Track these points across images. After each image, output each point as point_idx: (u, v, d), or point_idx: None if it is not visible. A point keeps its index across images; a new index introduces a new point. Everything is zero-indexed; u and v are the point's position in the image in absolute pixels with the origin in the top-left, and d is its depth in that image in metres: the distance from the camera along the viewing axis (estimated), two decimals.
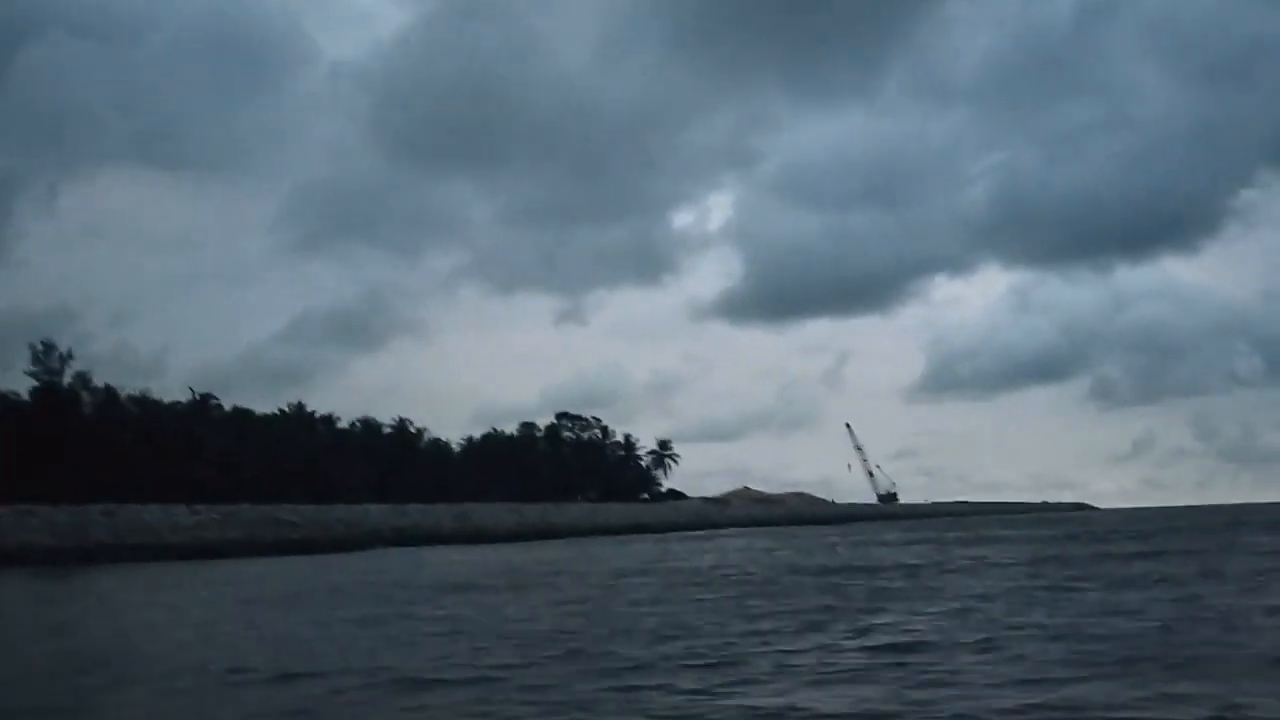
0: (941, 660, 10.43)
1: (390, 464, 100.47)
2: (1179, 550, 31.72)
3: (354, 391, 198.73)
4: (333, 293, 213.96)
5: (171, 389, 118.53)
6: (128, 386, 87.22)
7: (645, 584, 23.60)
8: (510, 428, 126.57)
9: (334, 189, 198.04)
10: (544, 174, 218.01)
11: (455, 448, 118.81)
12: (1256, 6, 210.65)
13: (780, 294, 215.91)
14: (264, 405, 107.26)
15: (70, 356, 76.94)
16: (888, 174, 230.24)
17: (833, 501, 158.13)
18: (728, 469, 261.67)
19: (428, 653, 12.54)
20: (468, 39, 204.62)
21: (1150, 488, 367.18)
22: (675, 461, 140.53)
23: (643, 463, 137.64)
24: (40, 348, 75.41)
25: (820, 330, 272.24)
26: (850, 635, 12.89)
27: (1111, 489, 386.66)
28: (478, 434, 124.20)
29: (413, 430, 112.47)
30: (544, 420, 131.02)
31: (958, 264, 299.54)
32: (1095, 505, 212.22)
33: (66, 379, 76.44)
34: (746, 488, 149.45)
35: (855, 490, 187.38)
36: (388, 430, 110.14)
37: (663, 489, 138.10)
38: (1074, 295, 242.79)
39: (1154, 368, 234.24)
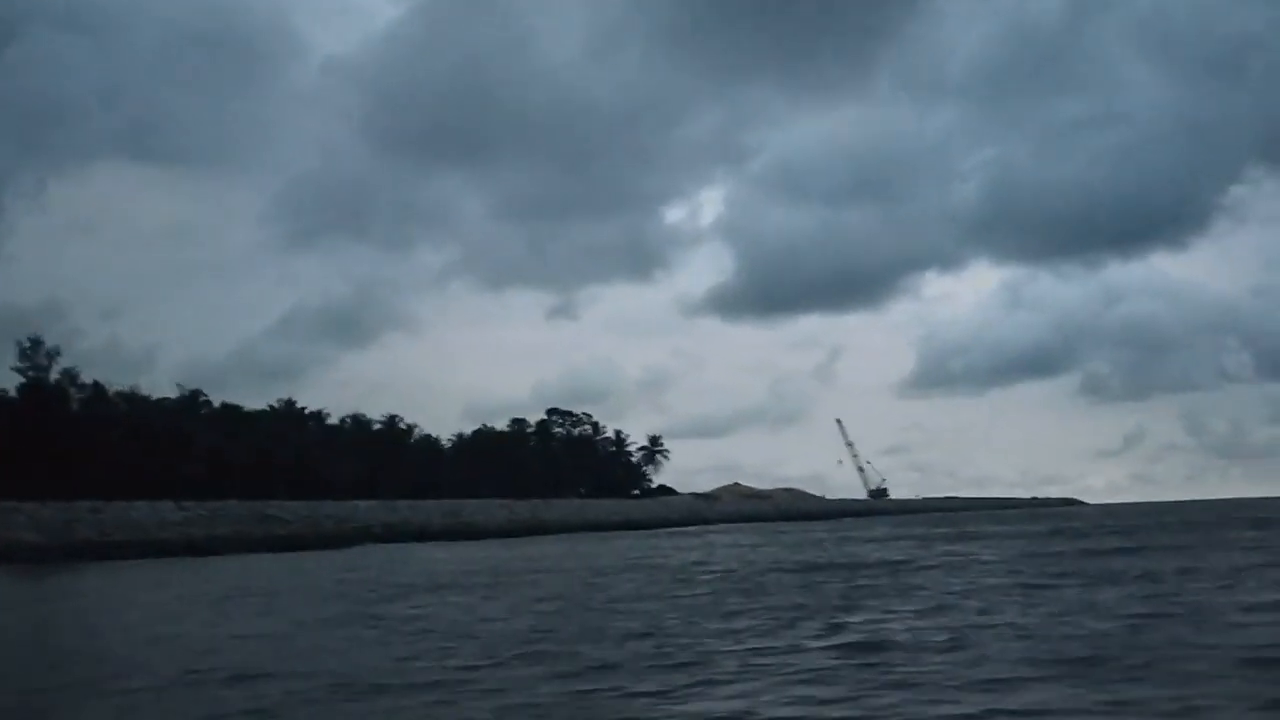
0: (906, 661, 10.41)
1: (380, 460, 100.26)
2: (1162, 546, 31.79)
3: (345, 387, 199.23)
4: (323, 288, 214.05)
5: (161, 385, 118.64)
6: (116, 383, 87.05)
7: (625, 581, 23.57)
8: (501, 424, 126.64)
9: (325, 184, 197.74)
10: (535, 169, 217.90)
11: (446, 444, 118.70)
12: (1246, 3, 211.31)
13: (772, 290, 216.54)
14: (255, 401, 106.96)
15: (57, 353, 76.76)
16: (879, 170, 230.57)
17: (823, 497, 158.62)
18: (719, 465, 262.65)
19: (393, 654, 12.46)
20: (458, 34, 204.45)
21: (1140, 483, 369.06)
22: (665, 457, 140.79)
23: (633, 459, 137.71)
24: (27, 344, 75.16)
25: (811, 326, 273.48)
26: (819, 635, 12.86)
27: (1101, 484, 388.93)
28: (469, 430, 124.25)
29: (403, 426, 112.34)
30: (535, 416, 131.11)
31: (949, 260, 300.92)
32: (1085, 501, 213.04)
33: (54, 375, 76.14)
34: (737, 483, 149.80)
35: (846, 486, 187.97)
36: (377, 426, 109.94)
37: (653, 485, 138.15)
38: (1064, 291, 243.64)
39: (1144, 363, 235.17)
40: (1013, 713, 7.88)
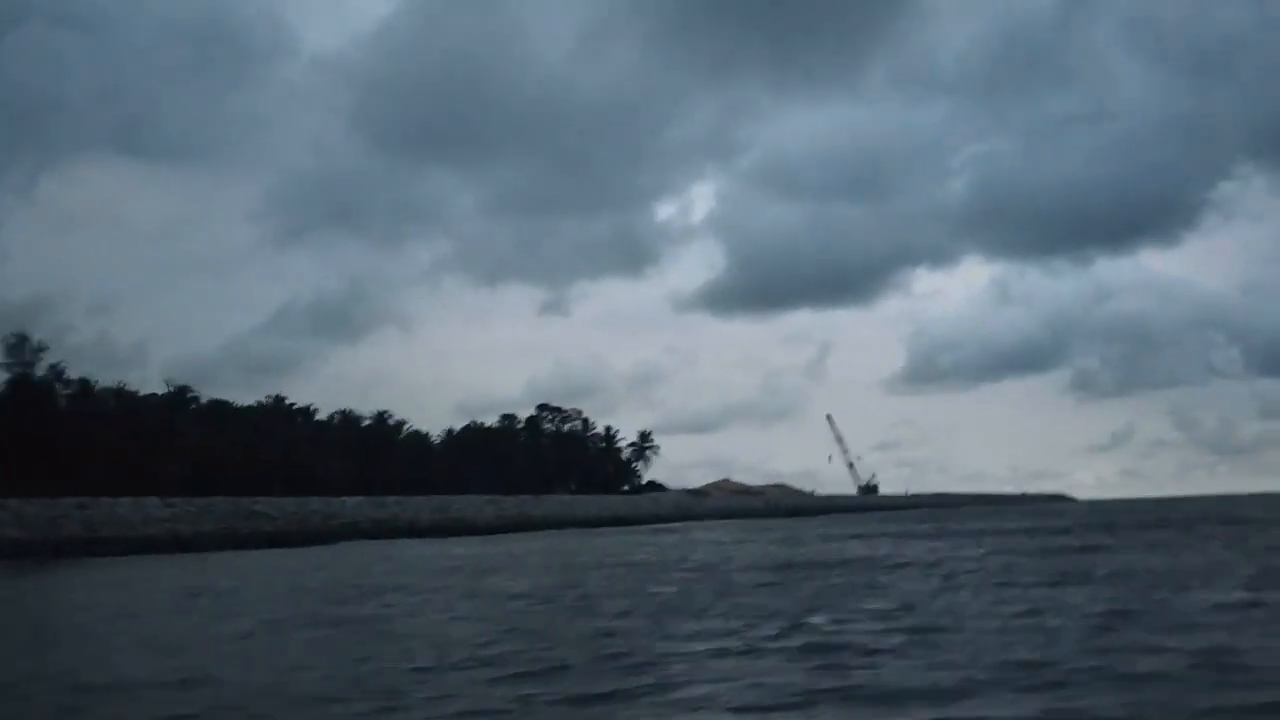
0: (860, 665, 10.37)
1: (369, 456, 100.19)
2: (1139, 544, 31.90)
3: (336, 383, 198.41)
4: (315, 284, 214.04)
5: (152, 381, 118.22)
6: (104, 379, 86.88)
7: (599, 579, 23.52)
8: (492, 419, 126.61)
9: (316, 180, 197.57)
10: (527, 165, 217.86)
11: (435, 440, 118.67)
12: (1235, 1, 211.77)
13: (762, 285, 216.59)
14: (246, 397, 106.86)
15: (44, 348, 76.48)
16: (870, 165, 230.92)
17: (813, 493, 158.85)
18: (710, 460, 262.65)
19: (346, 656, 12.32)
20: (449, 29, 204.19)
21: (1129, 478, 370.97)
22: (655, 453, 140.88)
23: (623, 455, 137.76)
24: (13, 340, 74.92)
25: (802, 322, 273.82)
26: (779, 635, 12.81)
27: (1090, 480, 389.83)
28: (459, 426, 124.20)
29: (392, 422, 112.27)
30: (526, 412, 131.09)
31: (939, 256, 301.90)
32: (1074, 496, 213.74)
33: (40, 371, 75.93)
34: (727, 479, 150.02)
35: (837, 482, 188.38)
36: (367, 422, 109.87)
37: (643, 481, 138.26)
38: (1054, 287, 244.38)
39: (1133, 359, 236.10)
40: None
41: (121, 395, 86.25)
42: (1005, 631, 12.37)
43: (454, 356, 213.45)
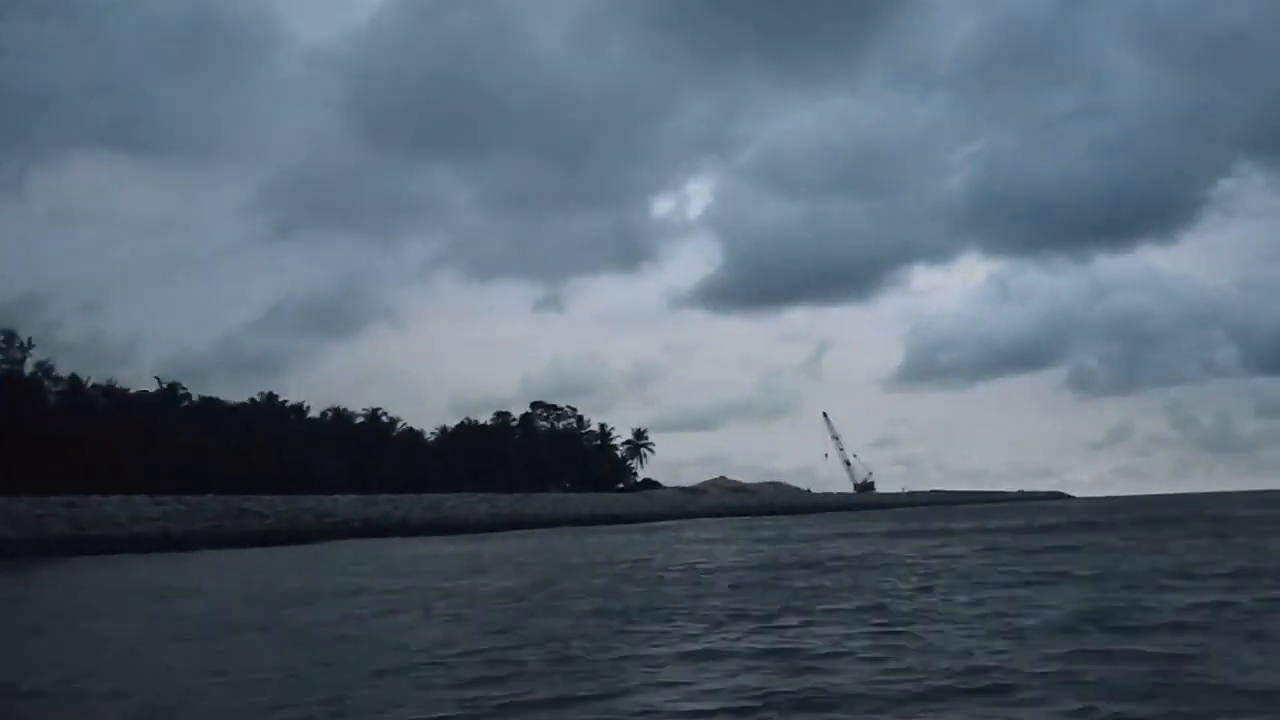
0: (815, 668, 10.18)
1: (362, 454, 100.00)
2: (1129, 541, 31.73)
3: (329, 380, 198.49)
4: (308, 280, 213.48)
5: (143, 378, 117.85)
6: (96, 376, 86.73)
7: (580, 579, 23.28)
8: (486, 417, 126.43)
9: (309, 175, 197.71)
10: (522, 160, 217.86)
11: (429, 437, 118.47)
12: None
13: (759, 282, 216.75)
14: (239, 394, 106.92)
15: (31, 345, 76.28)
16: (867, 162, 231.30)
17: (809, 491, 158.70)
18: (707, 458, 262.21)
19: (284, 662, 12.00)
20: (444, 23, 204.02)
21: (1127, 476, 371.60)
22: (651, 451, 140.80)
23: (618, 452, 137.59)
24: (0, 337, 74.72)
25: (799, 319, 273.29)
26: (743, 638, 12.62)
27: (1088, 477, 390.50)
28: (453, 423, 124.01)
29: (385, 420, 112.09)
30: (521, 409, 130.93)
31: (937, 253, 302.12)
32: (1071, 494, 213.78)
33: (28, 369, 75.74)
34: (723, 477, 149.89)
35: (834, 479, 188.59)
36: (360, 420, 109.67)
37: (638, 479, 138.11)
38: (1053, 284, 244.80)
39: (1131, 357, 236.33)
40: None
41: (111, 393, 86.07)
42: (970, 636, 12.13)
43: (448, 353, 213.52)
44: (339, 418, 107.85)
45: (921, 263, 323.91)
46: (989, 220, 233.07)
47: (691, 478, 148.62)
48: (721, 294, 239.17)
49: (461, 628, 14.79)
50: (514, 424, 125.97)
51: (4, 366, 74.23)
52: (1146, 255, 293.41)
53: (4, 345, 74.32)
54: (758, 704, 8.60)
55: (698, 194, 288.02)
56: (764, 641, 12.25)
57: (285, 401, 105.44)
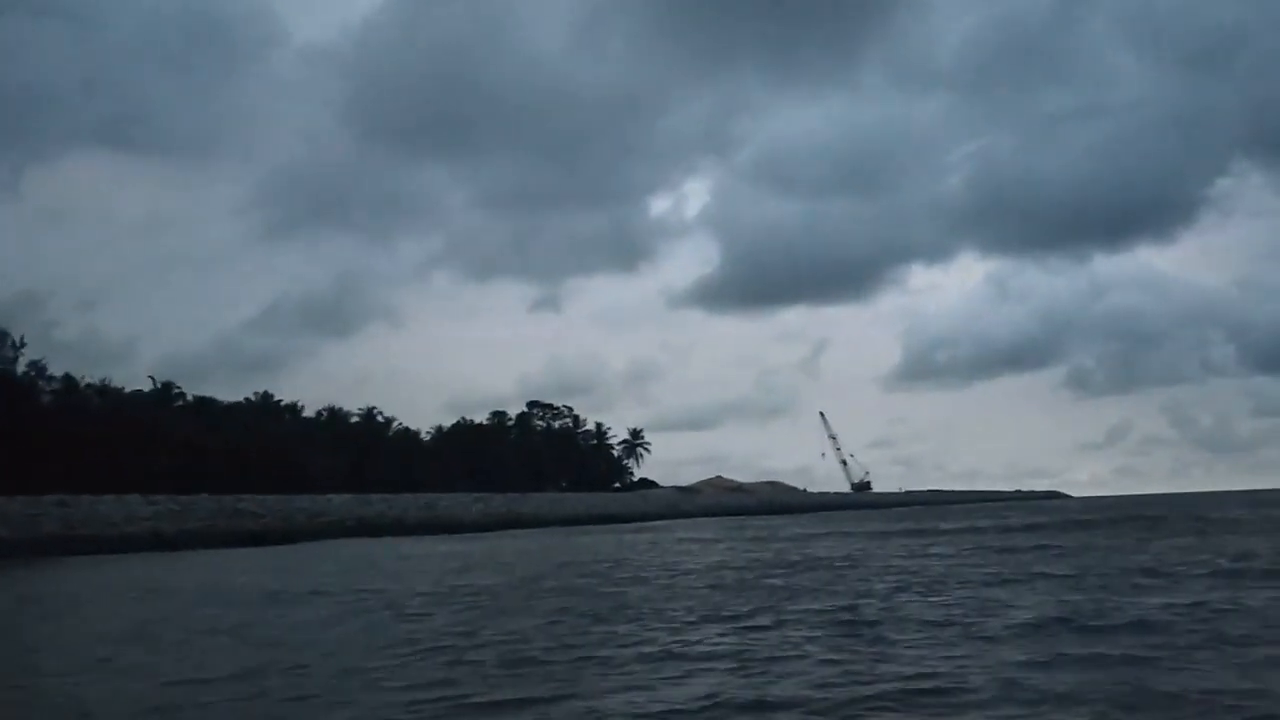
0: (771, 671, 10.18)
1: (358, 453, 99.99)
2: (1116, 541, 31.76)
3: (326, 379, 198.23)
4: (305, 279, 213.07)
5: (140, 377, 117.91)
6: (92, 375, 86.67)
7: (561, 578, 23.21)
8: (482, 417, 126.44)
9: (305, 174, 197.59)
10: (519, 159, 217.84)
11: (425, 437, 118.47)
12: None
13: (757, 281, 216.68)
14: (236, 393, 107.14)
15: (23, 344, 76.17)
16: (865, 161, 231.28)
17: (805, 490, 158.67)
18: (705, 457, 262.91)
19: (224, 668, 11.71)
20: (441, 21, 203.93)
21: (1125, 476, 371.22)
22: (647, 450, 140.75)
23: (614, 452, 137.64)
24: None
25: (797, 318, 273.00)
26: (702, 640, 12.62)
27: (1086, 477, 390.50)
28: (449, 423, 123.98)
29: (381, 419, 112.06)
30: (518, 409, 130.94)
31: (935, 252, 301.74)
32: (1069, 494, 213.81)
33: (20, 368, 75.61)
34: (719, 477, 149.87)
35: (831, 479, 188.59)
36: (355, 419, 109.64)
37: (635, 478, 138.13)
38: (1051, 284, 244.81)
39: (1129, 356, 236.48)
40: None
41: (106, 392, 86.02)
42: (933, 640, 12.05)
43: (445, 353, 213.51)
44: (334, 417, 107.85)
45: (919, 262, 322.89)
46: (987, 220, 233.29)
47: (689, 477, 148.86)
48: (719, 293, 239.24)
49: (427, 627, 14.79)
50: (510, 424, 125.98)
51: None
52: (1145, 255, 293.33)
53: None
54: (700, 707, 8.61)
55: (695, 193, 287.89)
56: (726, 643, 12.26)
57: (280, 401, 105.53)
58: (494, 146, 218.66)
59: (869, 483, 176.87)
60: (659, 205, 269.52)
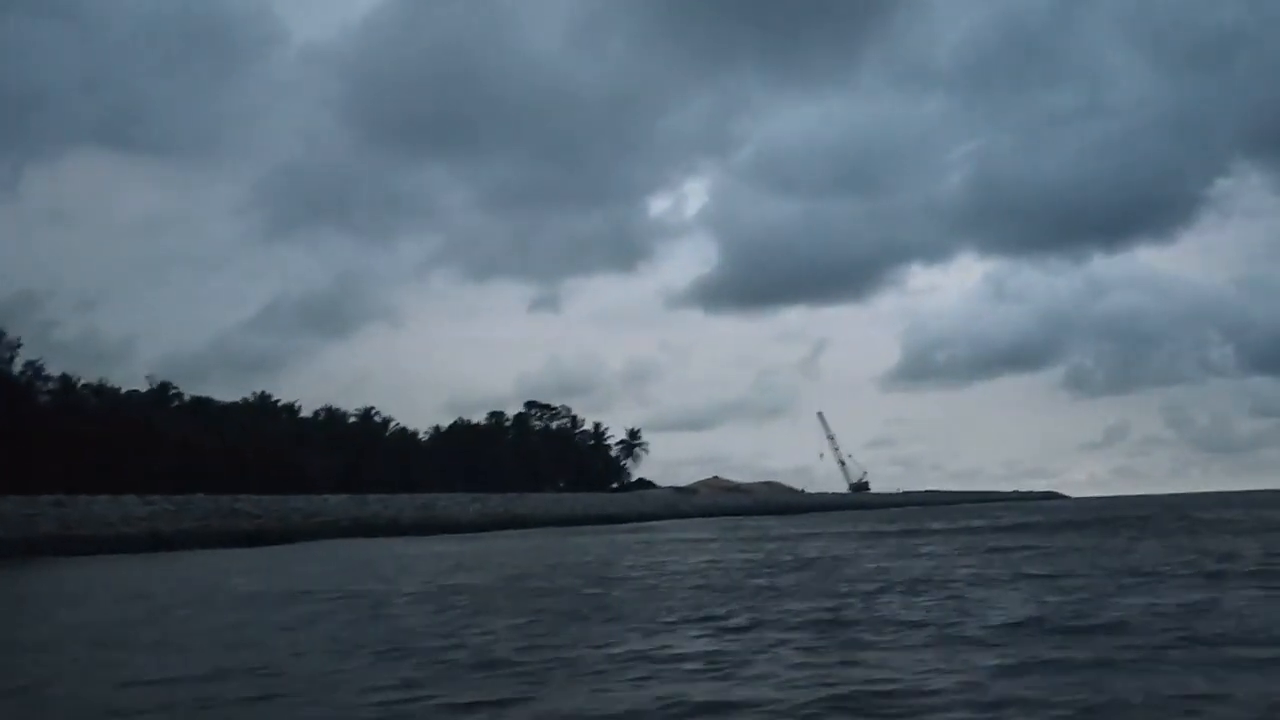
0: (730, 674, 10.14)
1: (355, 453, 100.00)
2: (1104, 541, 31.77)
3: (325, 380, 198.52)
4: (304, 279, 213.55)
5: (138, 378, 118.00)
6: (91, 375, 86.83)
7: (545, 578, 23.23)
8: (480, 417, 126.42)
9: (305, 173, 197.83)
10: (519, 159, 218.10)
11: (423, 437, 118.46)
12: None
13: (756, 282, 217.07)
14: (234, 393, 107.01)
15: (19, 345, 76.26)
16: (865, 161, 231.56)
17: (803, 491, 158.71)
18: (703, 457, 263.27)
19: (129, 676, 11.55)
20: (440, 21, 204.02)
21: (1123, 476, 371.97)
22: (645, 450, 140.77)
23: (612, 452, 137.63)
24: None
25: (796, 318, 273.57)
26: (671, 644, 12.57)
27: (1085, 477, 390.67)
28: (448, 423, 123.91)
29: (378, 419, 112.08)
30: (515, 409, 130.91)
31: (934, 252, 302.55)
32: (1067, 494, 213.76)
33: (17, 368, 75.74)
34: (717, 477, 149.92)
35: (830, 479, 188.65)
36: (353, 420, 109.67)
37: (633, 478, 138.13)
38: (1050, 284, 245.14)
39: (1128, 356, 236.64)
40: None
41: (102, 392, 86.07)
42: (904, 644, 11.94)
43: (444, 353, 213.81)
44: (331, 417, 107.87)
45: (918, 262, 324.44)
46: (986, 220, 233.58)
47: (688, 477, 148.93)
48: (718, 293, 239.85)
49: (406, 628, 14.77)
50: (508, 424, 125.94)
51: None
52: (1143, 255, 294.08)
53: None
54: (655, 709, 8.63)
55: (694, 193, 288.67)
56: (698, 646, 12.24)
57: (278, 401, 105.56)
58: (493, 146, 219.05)
59: (867, 483, 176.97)
60: (658, 205, 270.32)
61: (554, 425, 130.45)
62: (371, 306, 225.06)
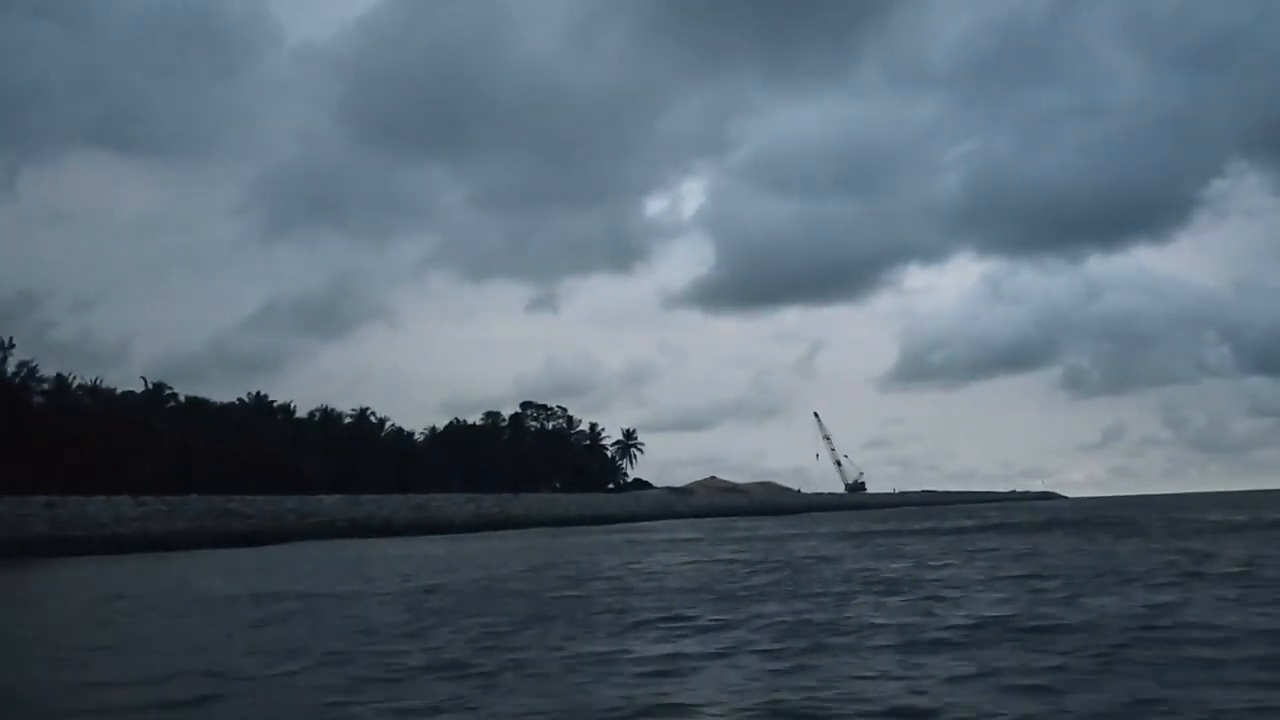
0: (676, 679, 10.02)
1: (350, 454, 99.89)
2: (1090, 542, 31.79)
3: (323, 380, 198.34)
4: (300, 279, 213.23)
5: (133, 378, 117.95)
6: (88, 375, 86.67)
7: (525, 581, 23.18)
8: (476, 417, 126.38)
9: (301, 173, 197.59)
10: (515, 159, 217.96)
11: (419, 438, 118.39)
12: None
13: (753, 282, 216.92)
14: (231, 394, 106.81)
15: (12, 345, 76.12)
16: (862, 161, 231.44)
17: (799, 491, 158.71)
18: (700, 458, 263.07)
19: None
20: (436, 20, 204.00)
21: (1120, 476, 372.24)
22: (640, 451, 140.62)
23: (608, 452, 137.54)
24: None
25: (793, 319, 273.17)
26: (630, 647, 12.49)
27: (1081, 477, 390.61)
28: (445, 424, 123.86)
29: (373, 420, 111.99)
30: (511, 410, 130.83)
31: (931, 252, 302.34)
32: (1064, 494, 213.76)
33: (11, 368, 75.60)
34: (713, 477, 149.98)
35: (826, 480, 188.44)
36: (348, 420, 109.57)
37: (629, 478, 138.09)
38: (1046, 284, 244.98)
39: (1124, 357, 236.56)
40: None
41: (97, 393, 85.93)
42: (859, 651, 11.77)
43: (441, 353, 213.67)
44: (327, 418, 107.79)
45: (915, 262, 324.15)
46: (983, 220, 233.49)
47: (685, 478, 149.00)
48: (715, 294, 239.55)
49: (371, 629, 14.65)
50: (504, 424, 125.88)
51: None
52: (1140, 255, 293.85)
53: None
54: (594, 713, 8.61)
55: (692, 193, 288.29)
56: (658, 649, 12.15)
57: (273, 402, 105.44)
58: (490, 146, 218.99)
59: (863, 483, 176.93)
60: (655, 205, 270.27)
61: (549, 426, 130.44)
62: (368, 307, 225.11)
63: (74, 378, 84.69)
